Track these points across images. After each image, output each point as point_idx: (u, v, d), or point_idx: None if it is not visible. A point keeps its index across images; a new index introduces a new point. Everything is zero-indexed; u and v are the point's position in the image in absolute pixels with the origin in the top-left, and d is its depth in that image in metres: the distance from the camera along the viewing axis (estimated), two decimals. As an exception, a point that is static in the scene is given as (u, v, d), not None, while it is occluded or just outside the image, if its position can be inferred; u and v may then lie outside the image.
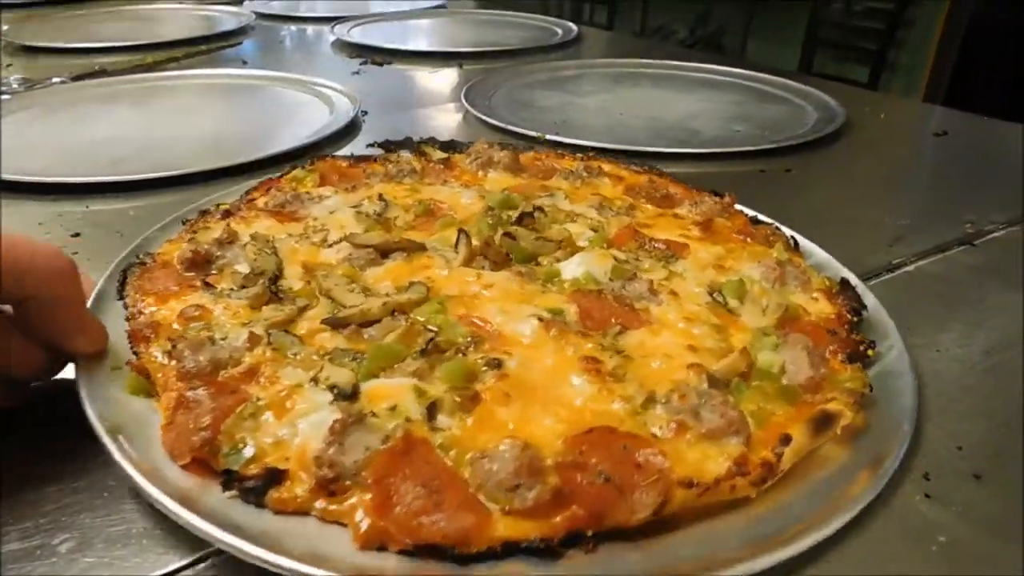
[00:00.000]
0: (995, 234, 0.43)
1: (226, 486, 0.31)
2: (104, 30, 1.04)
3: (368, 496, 0.30)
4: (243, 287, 0.40)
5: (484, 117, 0.61)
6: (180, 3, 1.25)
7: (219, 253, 0.43)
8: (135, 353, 0.36)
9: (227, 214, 0.47)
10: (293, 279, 0.41)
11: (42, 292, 0.34)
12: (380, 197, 0.48)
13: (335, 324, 0.37)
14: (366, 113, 0.66)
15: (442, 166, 0.53)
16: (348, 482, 0.31)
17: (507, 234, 0.41)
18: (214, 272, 0.43)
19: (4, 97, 0.70)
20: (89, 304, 0.38)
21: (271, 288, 0.40)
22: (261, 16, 1.10)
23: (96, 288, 0.40)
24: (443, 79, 0.79)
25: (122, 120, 0.66)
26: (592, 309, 0.38)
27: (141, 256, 0.44)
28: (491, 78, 0.74)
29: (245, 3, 1.20)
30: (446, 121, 0.64)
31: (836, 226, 0.44)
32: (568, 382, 0.33)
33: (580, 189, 0.50)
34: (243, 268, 0.43)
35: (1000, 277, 0.39)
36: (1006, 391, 0.34)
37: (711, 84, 0.74)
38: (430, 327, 0.37)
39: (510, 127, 0.59)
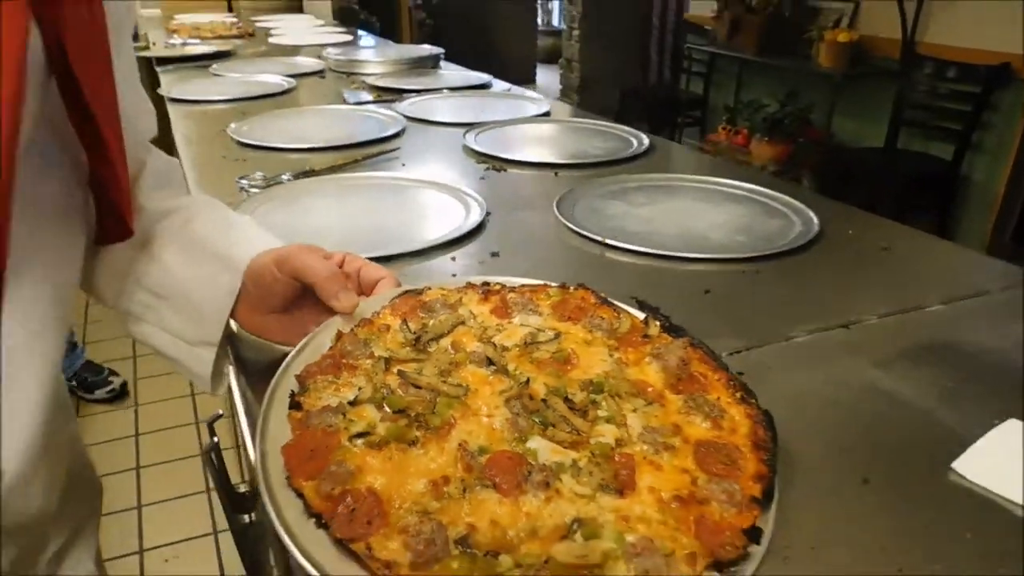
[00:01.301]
0: (869, 322, 0.69)
1: None
2: (299, 129, 1.42)
3: None
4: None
5: (567, 223, 0.92)
6: (343, 103, 1.64)
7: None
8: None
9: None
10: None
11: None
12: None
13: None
14: (489, 214, 0.97)
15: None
16: None
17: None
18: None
19: (254, 191, 1.06)
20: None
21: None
22: (409, 119, 1.46)
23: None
24: (543, 185, 1.10)
25: (326, 211, 1.01)
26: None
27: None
28: (577, 187, 1.04)
29: (396, 105, 1.57)
30: (543, 223, 0.95)
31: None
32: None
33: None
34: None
35: (864, 352, 0.65)
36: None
37: (736, 198, 1.01)
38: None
39: (583, 232, 0.89)
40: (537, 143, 1.33)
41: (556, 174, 1.14)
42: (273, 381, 0.50)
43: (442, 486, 0.42)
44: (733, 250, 0.84)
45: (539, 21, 8.70)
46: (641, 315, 0.59)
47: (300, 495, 0.41)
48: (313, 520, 0.40)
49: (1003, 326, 0.69)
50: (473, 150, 1.24)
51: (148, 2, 4.10)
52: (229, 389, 0.63)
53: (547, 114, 1.54)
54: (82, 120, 0.48)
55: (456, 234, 0.89)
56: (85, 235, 0.55)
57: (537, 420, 0.47)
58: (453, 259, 0.84)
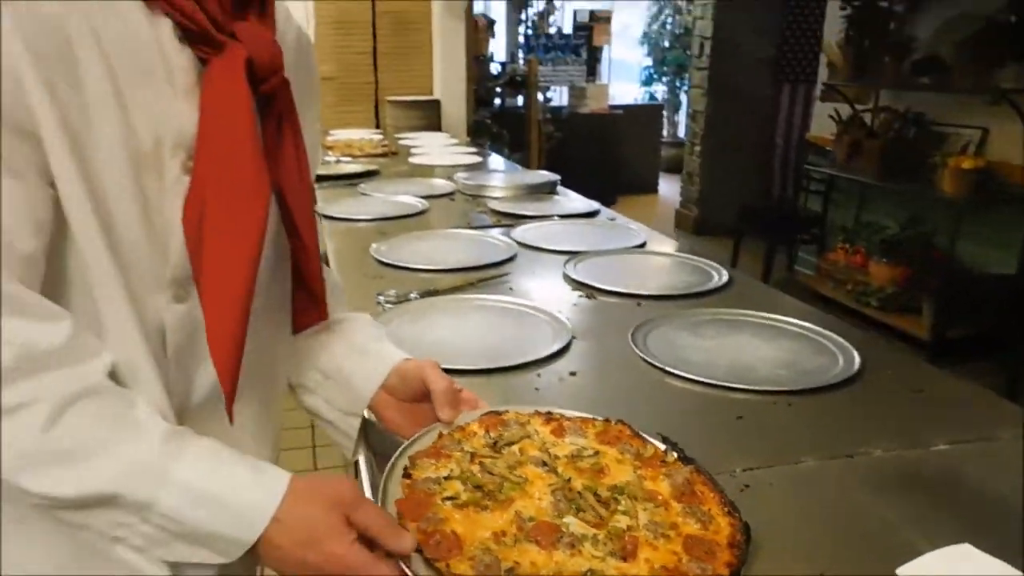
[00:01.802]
0: (874, 454, 0.82)
1: None
2: (429, 249, 1.69)
3: None
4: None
5: (637, 351, 1.10)
6: (467, 226, 1.92)
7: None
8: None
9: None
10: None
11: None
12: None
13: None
14: (575, 338, 1.17)
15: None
16: None
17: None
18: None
19: (388, 305, 1.32)
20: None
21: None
22: (520, 244, 1.71)
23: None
24: (626, 314, 1.29)
25: (444, 328, 1.24)
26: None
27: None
28: (655, 318, 1.22)
29: (511, 231, 1.82)
30: (619, 349, 1.13)
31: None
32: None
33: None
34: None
35: (858, 479, 0.78)
36: None
37: (790, 335, 1.16)
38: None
39: (648, 359, 1.07)
40: (628, 273, 1.52)
41: (639, 304, 1.33)
42: (393, 459, 0.71)
43: (500, 536, 0.61)
44: (772, 383, 0.99)
45: (664, 132, 9.03)
46: (663, 446, 0.76)
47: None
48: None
49: (999, 469, 0.80)
50: (570, 277, 1.46)
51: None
52: (356, 464, 0.85)
53: (643, 244, 1.74)
54: (291, 234, 0.72)
55: (544, 354, 1.09)
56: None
57: (573, 505, 0.66)
58: (539, 375, 1.04)
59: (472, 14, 5.66)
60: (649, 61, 9.37)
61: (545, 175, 2.59)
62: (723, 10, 5.80)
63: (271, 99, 0.68)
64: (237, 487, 0.59)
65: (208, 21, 0.62)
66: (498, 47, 7.29)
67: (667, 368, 1.03)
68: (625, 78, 10.13)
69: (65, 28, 0.56)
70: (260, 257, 0.63)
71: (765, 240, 4.78)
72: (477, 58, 6.28)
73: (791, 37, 5.96)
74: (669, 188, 7.62)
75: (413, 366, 0.80)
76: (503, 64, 7.04)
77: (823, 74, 4.68)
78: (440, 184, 2.50)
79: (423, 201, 2.19)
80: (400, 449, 0.72)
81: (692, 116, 6.40)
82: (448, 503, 0.65)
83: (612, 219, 2.04)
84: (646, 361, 1.06)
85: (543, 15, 7.12)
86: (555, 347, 1.11)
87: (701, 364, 1.05)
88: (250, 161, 0.63)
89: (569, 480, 0.69)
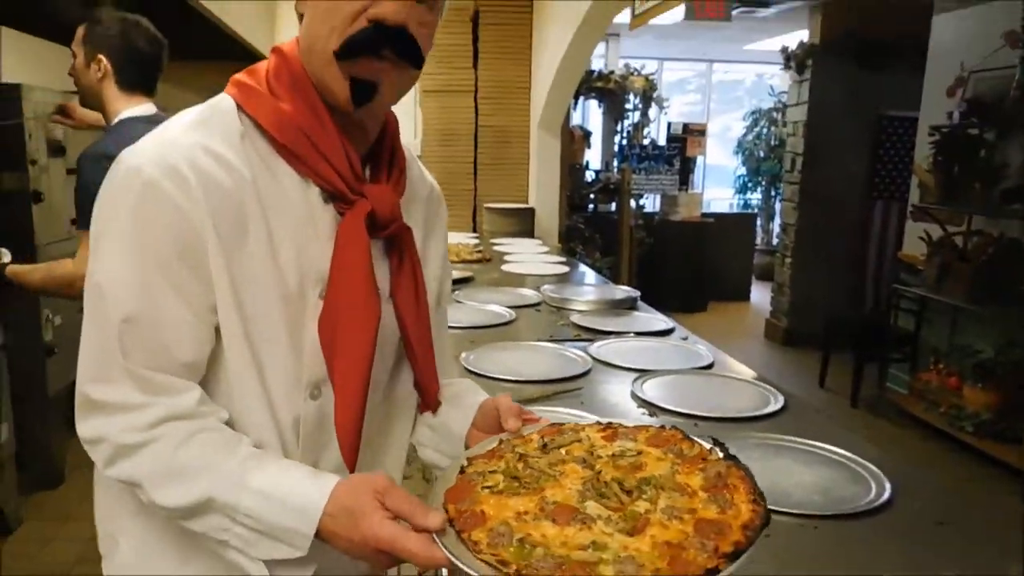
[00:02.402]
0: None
1: None
2: (514, 360, 1.89)
3: None
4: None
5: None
6: (549, 339, 2.11)
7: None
8: None
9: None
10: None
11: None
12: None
13: None
14: (632, 452, 1.32)
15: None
16: None
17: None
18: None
19: (472, 412, 1.51)
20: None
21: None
22: (595, 359, 1.88)
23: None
24: (682, 431, 1.43)
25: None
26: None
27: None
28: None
29: (588, 347, 2.00)
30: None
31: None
32: None
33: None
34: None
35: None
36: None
37: (830, 463, 1.27)
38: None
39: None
40: (690, 394, 1.66)
41: (696, 424, 1.47)
42: (450, 466, 0.83)
43: (522, 515, 0.70)
44: (803, 507, 1.11)
45: (758, 240, 9.08)
46: (708, 446, 0.81)
47: (446, 510, 0.72)
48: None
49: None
50: (637, 395, 1.61)
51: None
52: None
53: (710, 365, 1.88)
54: (403, 338, 0.94)
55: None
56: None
57: (596, 492, 0.73)
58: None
59: (569, 126, 6.05)
60: (744, 169, 9.54)
61: (626, 291, 2.77)
62: (814, 128, 5.96)
63: (394, 239, 0.90)
64: (296, 489, 0.75)
65: (344, 186, 0.83)
66: (594, 155, 7.66)
67: (710, 487, 1.16)
68: (721, 183, 10.33)
69: (238, 198, 0.80)
70: (373, 358, 0.84)
71: (854, 356, 4.75)
72: (573, 167, 6.65)
73: (884, 155, 6.03)
74: (762, 295, 7.63)
75: (490, 401, 0.96)
76: (597, 172, 7.38)
77: (914, 194, 4.73)
78: (528, 294, 2.72)
79: (511, 311, 2.41)
80: (466, 453, 0.86)
81: (783, 228, 6.49)
82: (485, 491, 0.74)
83: (684, 338, 2.19)
84: (693, 479, 1.20)
85: (638, 126, 7.45)
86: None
87: (743, 485, 1.18)
88: (364, 290, 0.83)
89: (600, 472, 0.76)
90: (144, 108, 1.87)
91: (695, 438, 0.83)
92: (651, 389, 1.65)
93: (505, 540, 0.67)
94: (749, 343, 6.37)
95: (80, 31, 1.87)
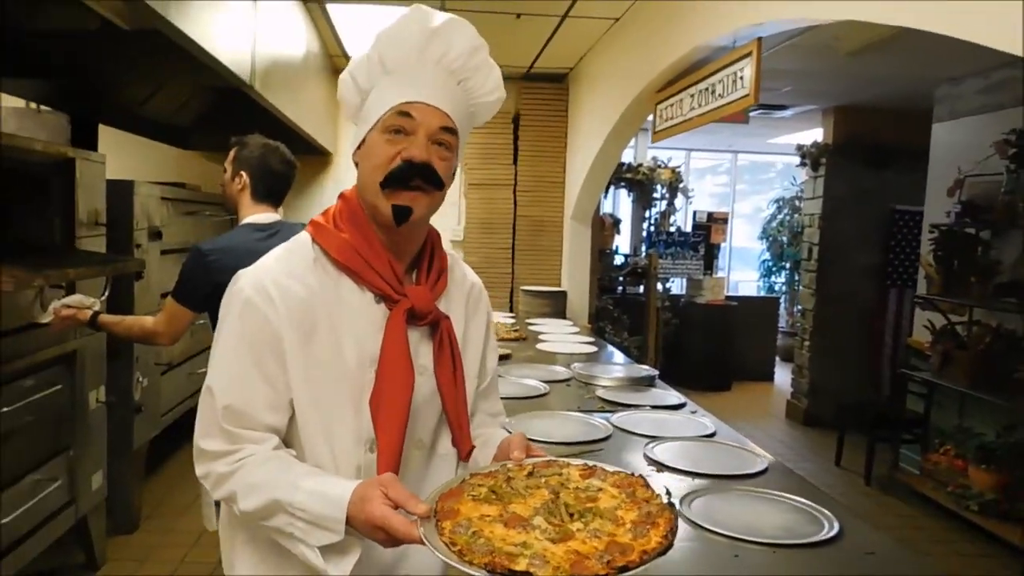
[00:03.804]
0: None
1: None
2: (546, 426, 2.26)
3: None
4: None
5: (681, 509, 1.60)
6: (577, 410, 2.49)
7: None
8: None
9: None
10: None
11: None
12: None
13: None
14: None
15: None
16: None
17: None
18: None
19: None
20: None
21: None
22: (615, 427, 2.25)
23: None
24: (683, 484, 1.79)
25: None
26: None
27: None
28: (701, 489, 1.72)
29: (611, 416, 2.37)
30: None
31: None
32: None
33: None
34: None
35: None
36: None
37: (796, 509, 1.61)
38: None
39: (688, 516, 1.57)
40: (692, 456, 2.01)
41: (693, 479, 1.83)
42: (457, 475, 1.09)
43: (484, 517, 0.89)
44: (769, 538, 1.46)
45: (783, 322, 9.36)
46: (658, 492, 0.98)
47: (436, 510, 0.91)
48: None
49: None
50: (648, 456, 1.98)
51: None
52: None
53: (713, 434, 2.24)
54: (443, 406, 1.17)
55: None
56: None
57: (546, 510, 0.91)
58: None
59: (600, 214, 6.53)
60: (768, 254, 9.91)
61: (646, 370, 3.15)
62: (830, 219, 6.36)
63: (435, 326, 1.15)
64: (332, 486, 0.98)
65: (390, 290, 1.10)
66: (623, 241, 8.12)
67: (696, 521, 1.53)
68: (748, 264, 10.67)
69: (308, 302, 1.08)
70: (407, 419, 1.08)
71: (866, 437, 5.00)
72: (603, 251, 7.10)
73: (896, 246, 6.40)
74: (785, 376, 7.87)
75: (507, 438, 1.15)
76: (626, 256, 7.82)
77: (921, 284, 5.06)
78: (560, 371, 3.11)
79: (545, 385, 2.80)
80: (467, 472, 1.05)
81: (802, 313, 6.82)
82: (470, 497, 0.93)
83: (693, 412, 2.55)
84: (686, 518, 1.56)
85: (665, 215, 7.92)
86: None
87: (727, 523, 1.53)
88: (402, 367, 1.08)
89: (558, 496, 0.93)
90: (266, 216, 2.32)
91: (652, 485, 1.00)
92: (660, 452, 2.01)
93: (462, 531, 0.86)
94: (770, 422, 6.62)
95: (231, 152, 2.35)
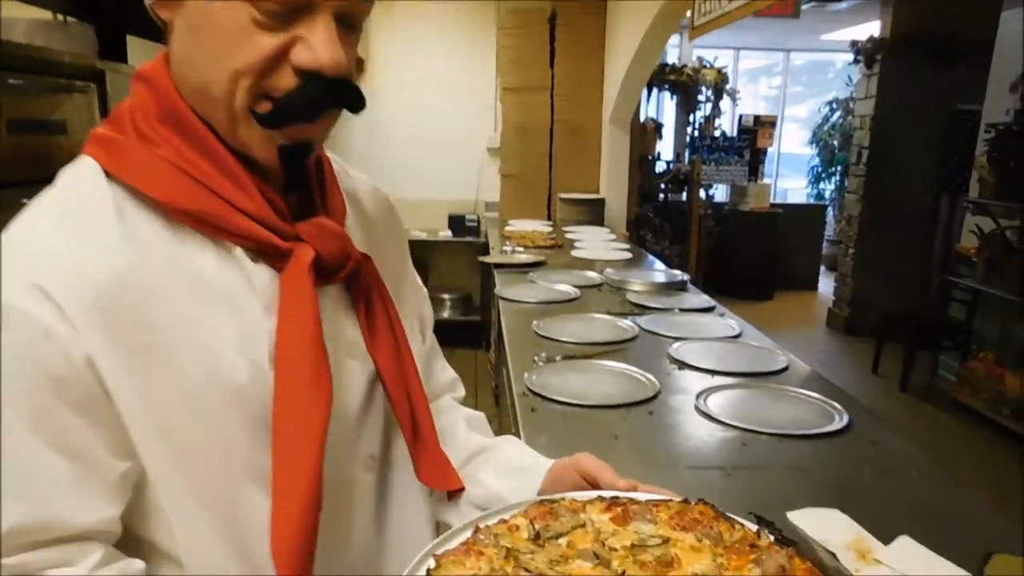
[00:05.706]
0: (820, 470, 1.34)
1: None
2: (577, 328, 2.33)
3: None
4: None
5: (698, 406, 1.67)
6: (607, 313, 2.54)
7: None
8: None
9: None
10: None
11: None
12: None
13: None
14: (660, 392, 1.75)
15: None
16: None
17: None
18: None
19: (540, 364, 1.97)
20: None
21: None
22: (642, 329, 2.31)
23: None
24: (702, 381, 1.85)
25: (575, 381, 1.86)
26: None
27: None
28: (719, 386, 1.78)
29: (638, 318, 2.42)
30: (688, 405, 1.70)
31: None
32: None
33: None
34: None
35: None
36: None
37: (808, 403, 1.67)
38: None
39: (706, 411, 1.63)
40: (714, 354, 2.07)
41: (712, 375, 1.88)
42: (417, 558, 0.60)
43: None
44: (779, 429, 1.52)
45: (831, 231, 9.18)
46: (755, 527, 0.65)
47: None
48: None
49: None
50: (671, 355, 2.04)
51: (489, 212, 5.63)
52: None
53: (739, 335, 2.28)
54: (386, 392, 0.76)
55: (633, 400, 1.68)
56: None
57: None
58: (624, 419, 1.63)
59: (641, 119, 6.41)
60: (818, 159, 9.63)
61: (676, 274, 3.17)
62: (881, 122, 6.12)
63: (354, 280, 0.72)
64: None
65: (273, 237, 0.64)
66: (666, 146, 7.96)
67: (714, 415, 1.59)
68: (796, 171, 10.41)
69: (128, 287, 0.59)
70: (326, 438, 0.64)
71: (906, 346, 4.98)
72: (644, 158, 6.99)
73: (953, 149, 6.14)
74: (830, 286, 7.79)
75: (571, 462, 0.80)
76: (669, 163, 7.69)
77: (974, 188, 4.90)
78: (593, 276, 3.16)
79: (577, 290, 2.85)
80: (426, 549, 0.62)
81: (847, 220, 6.67)
82: None
83: (721, 314, 2.58)
84: (700, 411, 1.63)
85: (709, 119, 7.72)
86: (644, 396, 1.70)
87: (739, 415, 1.59)
88: (310, 368, 0.63)
89: (623, 573, 0.58)
90: None
91: (733, 516, 0.67)
92: (684, 351, 2.07)
93: None
94: (810, 331, 6.61)
95: None
